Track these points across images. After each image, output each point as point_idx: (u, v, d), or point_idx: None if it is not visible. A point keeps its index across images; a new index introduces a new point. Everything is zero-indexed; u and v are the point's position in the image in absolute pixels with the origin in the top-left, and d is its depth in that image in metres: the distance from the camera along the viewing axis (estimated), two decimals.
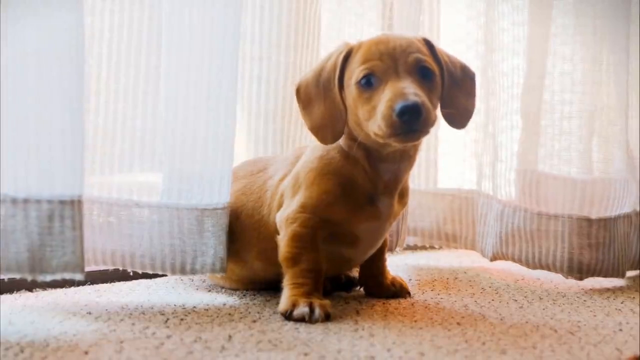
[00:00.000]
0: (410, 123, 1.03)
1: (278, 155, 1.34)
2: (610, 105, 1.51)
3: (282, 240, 1.15)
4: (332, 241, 1.16)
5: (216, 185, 1.20)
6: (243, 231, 1.23)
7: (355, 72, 1.10)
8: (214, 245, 1.19)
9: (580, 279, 1.45)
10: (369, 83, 1.08)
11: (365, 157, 1.15)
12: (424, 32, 1.60)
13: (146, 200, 1.19)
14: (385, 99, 1.05)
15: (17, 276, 1.02)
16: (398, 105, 1.02)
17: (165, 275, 1.35)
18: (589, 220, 1.44)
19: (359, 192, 1.15)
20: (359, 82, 1.09)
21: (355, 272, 1.35)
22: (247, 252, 1.23)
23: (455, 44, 1.68)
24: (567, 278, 1.47)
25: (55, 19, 1.02)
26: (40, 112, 1.02)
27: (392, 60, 1.08)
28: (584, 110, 1.50)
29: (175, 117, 1.18)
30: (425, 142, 1.65)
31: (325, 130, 1.14)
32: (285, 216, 1.15)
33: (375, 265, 1.28)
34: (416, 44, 1.11)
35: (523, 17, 1.52)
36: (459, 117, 1.17)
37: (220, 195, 1.20)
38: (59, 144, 1.02)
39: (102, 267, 1.27)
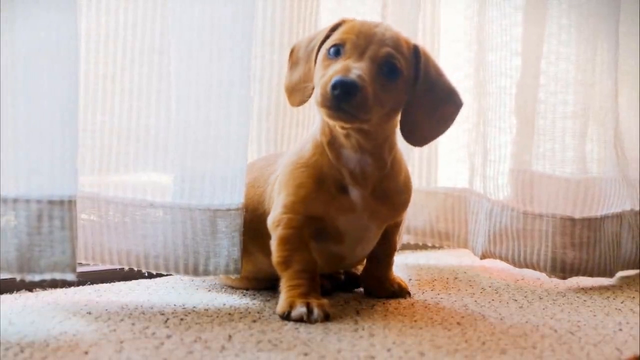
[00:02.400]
0: (339, 99, 1.03)
1: (287, 151, 1.35)
2: (602, 105, 1.51)
3: (273, 245, 1.15)
4: (319, 238, 1.17)
5: (229, 185, 1.20)
6: (250, 223, 1.22)
7: (330, 39, 1.11)
8: (227, 247, 1.20)
9: (564, 278, 1.45)
10: (336, 53, 1.10)
11: (328, 141, 1.15)
12: (423, 32, 1.60)
13: (160, 200, 1.20)
14: (331, 70, 1.06)
15: (6, 275, 1.03)
16: (334, 78, 1.03)
17: (167, 275, 1.35)
18: (572, 220, 1.44)
19: (329, 181, 1.14)
20: (328, 49, 1.11)
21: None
22: (252, 245, 1.23)
23: (454, 44, 1.68)
24: (550, 277, 1.47)
25: (46, 18, 1.01)
26: (30, 112, 1.02)
27: (366, 42, 1.09)
28: (575, 110, 1.49)
29: (187, 115, 1.18)
30: None
31: (296, 92, 1.17)
32: (272, 220, 1.16)
33: (379, 267, 1.28)
34: (398, 41, 1.11)
35: (517, 17, 1.51)
36: (420, 136, 1.16)
37: (233, 195, 1.20)
38: (49, 144, 1.02)
39: (114, 267, 1.27)
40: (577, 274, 1.45)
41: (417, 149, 1.65)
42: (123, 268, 1.23)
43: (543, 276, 1.51)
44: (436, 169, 1.69)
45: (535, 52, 1.50)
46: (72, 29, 1.04)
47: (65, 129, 1.03)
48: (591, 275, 1.46)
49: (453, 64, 1.66)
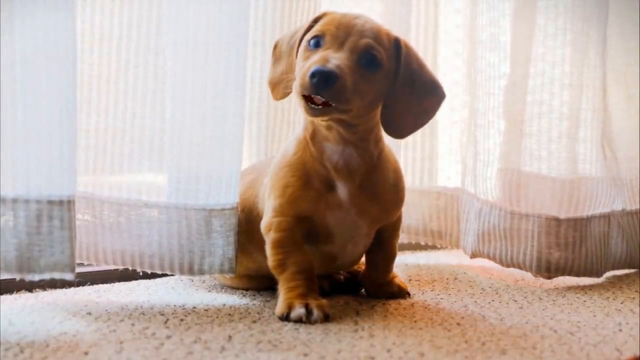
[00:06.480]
0: (318, 87, 1.03)
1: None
2: (589, 105, 1.51)
3: (267, 249, 1.15)
4: (310, 240, 1.16)
5: (224, 185, 1.20)
6: (247, 224, 1.23)
7: (311, 31, 1.12)
8: (222, 246, 1.20)
9: (549, 277, 1.46)
10: (316, 44, 1.10)
11: (310, 135, 1.15)
12: (417, 31, 1.60)
13: (155, 200, 1.20)
14: (311, 60, 1.06)
15: (6, 275, 1.04)
16: (313, 67, 1.03)
17: (167, 275, 1.35)
18: (557, 220, 1.45)
19: (315, 178, 1.14)
20: (308, 41, 1.11)
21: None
22: (250, 243, 1.23)
23: (455, 44, 1.67)
24: (535, 277, 1.48)
25: (45, 18, 1.02)
26: (29, 112, 1.02)
27: (345, 34, 1.09)
28: (563, 111, 1.49)
29: (182, 116, 1.18)
30: (411, 140, 1.65)
31: (278, 86, 1.17)
32: (264, 224, 1.16)
33: (379, 272, 1.27)
34: (378, 33, 1.11)
35: (507, 21, 1.52)
36: (399, 127, 1.16)
37: (228, 195, 1.20)
38: (48, 144, 1.03)
39: (110, 267, 1.27)
40: (562, 274, 1.46)
41: (416, 148, 1.65)
42: (123, 268, 1.23)
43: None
44: (432, 168, 1.69)
45: (524, 54, 1.50)
46: (70, 29, 1.04)
47: (64, 129, 1.04)
48: (577, 274, 1.46)
49: (452, 65, 1.67)
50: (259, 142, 1.45)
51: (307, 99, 1.05)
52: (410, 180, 1.66)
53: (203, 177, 1.20)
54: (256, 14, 1.41)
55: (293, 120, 1.48)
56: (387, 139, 1.19)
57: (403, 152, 1.62)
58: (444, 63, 1.67)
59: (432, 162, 1.68)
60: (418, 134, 1.63)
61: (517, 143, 1.51)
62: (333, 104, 1.05)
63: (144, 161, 1.22)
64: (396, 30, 1.43)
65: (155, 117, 1.21)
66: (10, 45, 1.00)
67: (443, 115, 1.68)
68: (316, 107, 1.05)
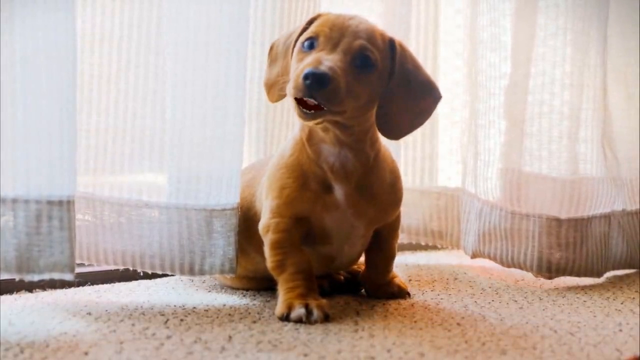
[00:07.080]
0: (311, 89, 1.02)
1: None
2: (590, 105, 1.51)
3: (266, 251, 1.15)
4: (307, 241, 1.17)
5: (224, 185, 1.20)
6: (244, 223, 1.23)
7: (305, 33, 1.12)
8: (222, 246, 1.20)
9: (550, 278, 1.46)
10: (310, 46, 1.10)
11: (307, 137, 1.15)
12: (417, 31, 1.60)
13: (156, 200, 1.20)
14: (304, 62, 1.06)
15: (5, 276, 1.04)
16: (306, 70, 1.03)
17: (167, 276, 1.35)
18: (558, 220, 1.45)
19: (311, 179, 1.14)
20: (302, 43, 1.11)
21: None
22: (248, 244, 1.23)
23: (456, 45, 1.67)
24: (536, 277, 1.48)
25: (44, 18, 1.02)
26: (29, 112, 1.02)
27: (339, 35, 1.09)
28: (564, 111, 1.49)
29: (183, 116, 1.19)
30: (411, 140, 1.65)
31: (274, 87, 1.17)
32: (262, 226, 1.16)
33: (378, 273, 1.27)
34: (372, 34, 1.11)
35: (507, 21, 1.51)
36: (395, 128, 1.15)
37: (229, 195, 1.20)
38: (48, 144, 1.03)
39: (111, 267, 1.28)
40: (563, 274, 1.46)
41: (416, 148, 1.65)
42: (123, 269, 1.23)
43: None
44: (433, 168, 1.69)
45: (525, 53, 1.50)
46: (70, 29, 1.04)
47: (64, 129, 1.04)
48: (578, 275, 1.47)
49: (453, 65, 1.67)
50: (258, 143, 1.45)
51: (300, 101, 1.05)
52: (410, 180, 1.66)
53: (203, 177, 1.20)
54: (256, 14, 1.41)
55: (292, 121, 1.47)
56: (387, 140, 1.20)
57: (403, 152, 1.62)
58: (444, 63, 1.67)
59: (432, 162, 1.68)
60: (418, 133, 1.63)
61: (517, 143, 1.51)
62: (326, 107, 1.04)
63: (144, 161, 1.23)
64: (396, 31, 1.45)
65: (156, 117, 1.22)
66: (10, 45, 1.00)
67: (443, 115, 1.68)
68: (309, 111, 1.05)
